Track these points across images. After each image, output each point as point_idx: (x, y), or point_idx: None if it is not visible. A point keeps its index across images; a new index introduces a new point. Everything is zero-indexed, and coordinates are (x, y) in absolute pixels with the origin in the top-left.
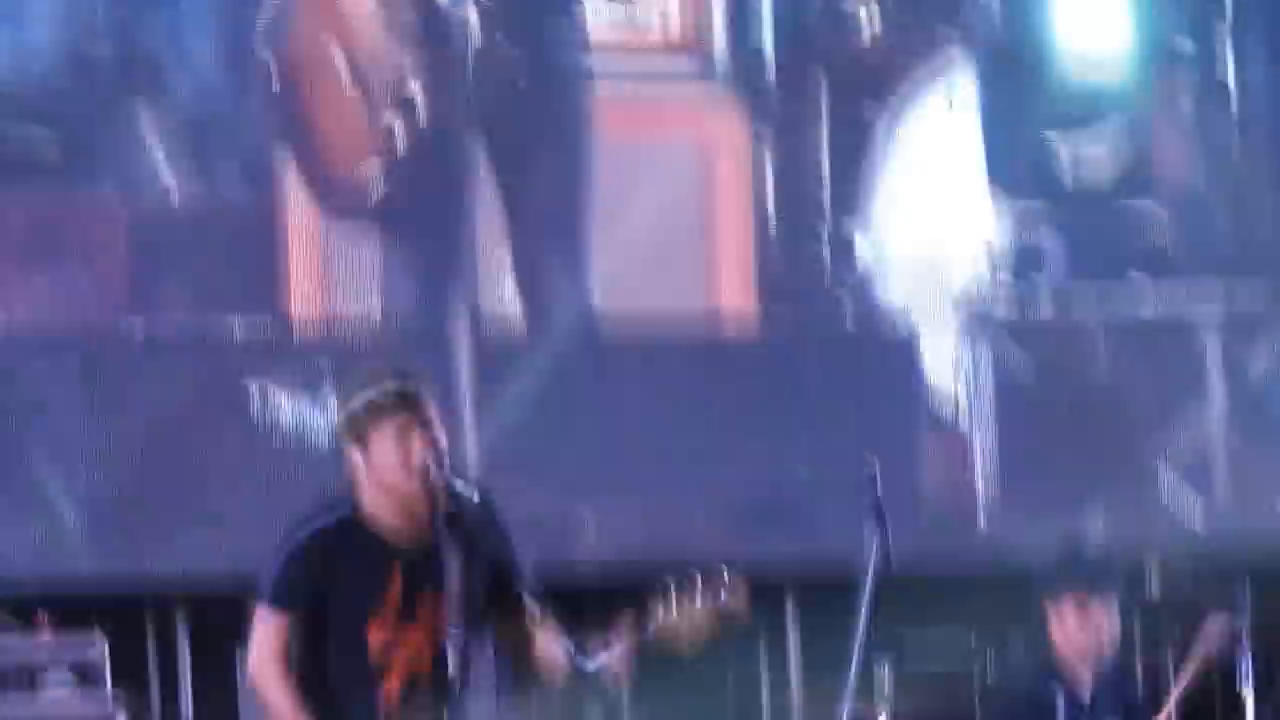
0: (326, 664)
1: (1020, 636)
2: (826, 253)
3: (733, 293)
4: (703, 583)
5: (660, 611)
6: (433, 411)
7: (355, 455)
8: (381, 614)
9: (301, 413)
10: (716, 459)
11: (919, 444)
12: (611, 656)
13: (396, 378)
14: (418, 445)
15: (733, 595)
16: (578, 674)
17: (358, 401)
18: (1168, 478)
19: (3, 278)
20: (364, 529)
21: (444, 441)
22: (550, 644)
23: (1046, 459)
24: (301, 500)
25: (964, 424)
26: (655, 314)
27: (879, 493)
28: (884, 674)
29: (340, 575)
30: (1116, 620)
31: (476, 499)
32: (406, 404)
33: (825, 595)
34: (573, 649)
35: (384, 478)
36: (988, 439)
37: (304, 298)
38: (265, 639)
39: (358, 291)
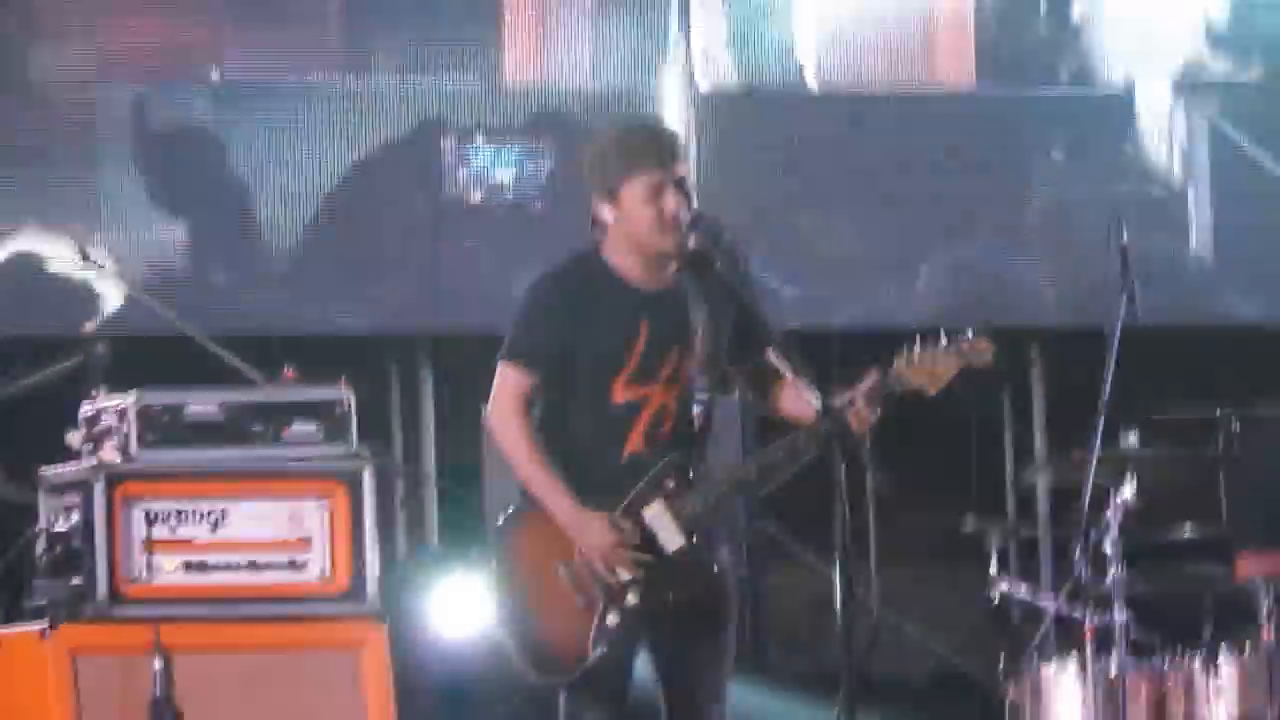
0: (569, 419)
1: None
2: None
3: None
4: (946, 335)
5: (904, 358)
6: (684, 166)
7: (604, 209)
8: (627, 369)
9: (521, 172)
10: (939, 217)
11: (1134, 201)
12: (856, 399)
13: (647, 132)
14: (670, 201)
15: (976, 346)
16: (821, 420)
17: (608, 156)
18: None
19: (222, 36)
20: (608, 275)
21: (694, 195)
22: (793, 393)
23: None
24: (526, 255)
25: (1179, 183)
26: (870, 73)
27: (1125, 245)
28: (1130, 435)
29: (585, 327)
30: None
31: (725, 252)
32: (660, 159)
33: (1070, 345)
34: (817, 397)
35: (634, 232)
36: (1201, 198)
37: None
38: (507, 393)
39: (570, 51)
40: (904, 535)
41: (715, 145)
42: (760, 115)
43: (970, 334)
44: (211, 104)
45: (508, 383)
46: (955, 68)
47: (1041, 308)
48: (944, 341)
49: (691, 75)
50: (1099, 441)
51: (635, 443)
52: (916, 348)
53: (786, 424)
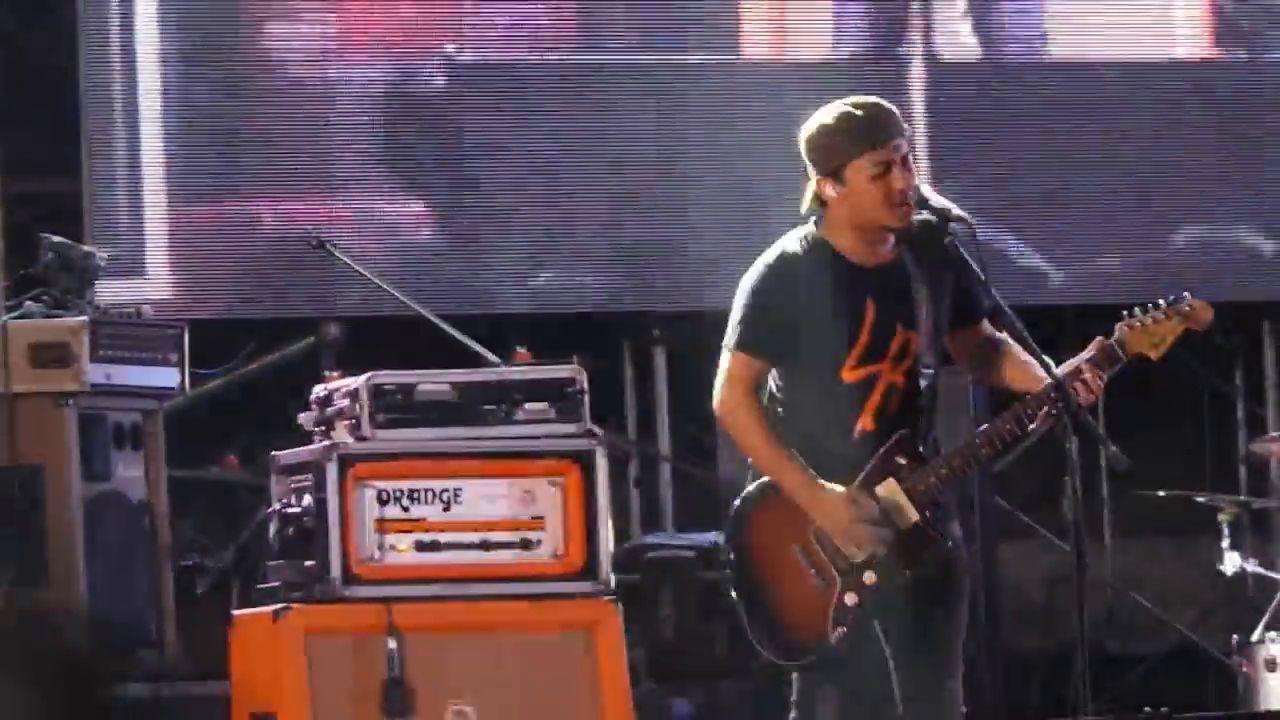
0: (799, 400)
1: None
2: None
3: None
4: (1168, 304)
5: (1126, 323)
6: (908, 145)
7: (827, 187)
8: (856, 349)
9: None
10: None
11: None
12: (1082, 367)
13: (872, 109)
14: (898, 178)
15: (1196, 308)
16: (1049, 390)
17: (833, 135)
18: None
19: (461, 13)
20: (831, 255)
21: (916, 172)
22: (1018, 366)
23: None
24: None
25: None
26: (1106, 41)
27: None
28: None
29: (811, 312)
30: None
31: (949, 226)
32: (887, 136)
33: None
34: (1040, 367)
35: (861, 210)
36: None
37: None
38: (735, 379)
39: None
40: (1137, 509)
41: (954, 113)
42: (999, 83)
43: (1188, 298)
44: (448, 81)
45: (734, 368)
46: (1191, 34)
47: (1275, 280)
48: (1164, 306)
49: (931, 45)
50: None
51: (866, 421)
52: (1138, 312)
53: (1015, 397)
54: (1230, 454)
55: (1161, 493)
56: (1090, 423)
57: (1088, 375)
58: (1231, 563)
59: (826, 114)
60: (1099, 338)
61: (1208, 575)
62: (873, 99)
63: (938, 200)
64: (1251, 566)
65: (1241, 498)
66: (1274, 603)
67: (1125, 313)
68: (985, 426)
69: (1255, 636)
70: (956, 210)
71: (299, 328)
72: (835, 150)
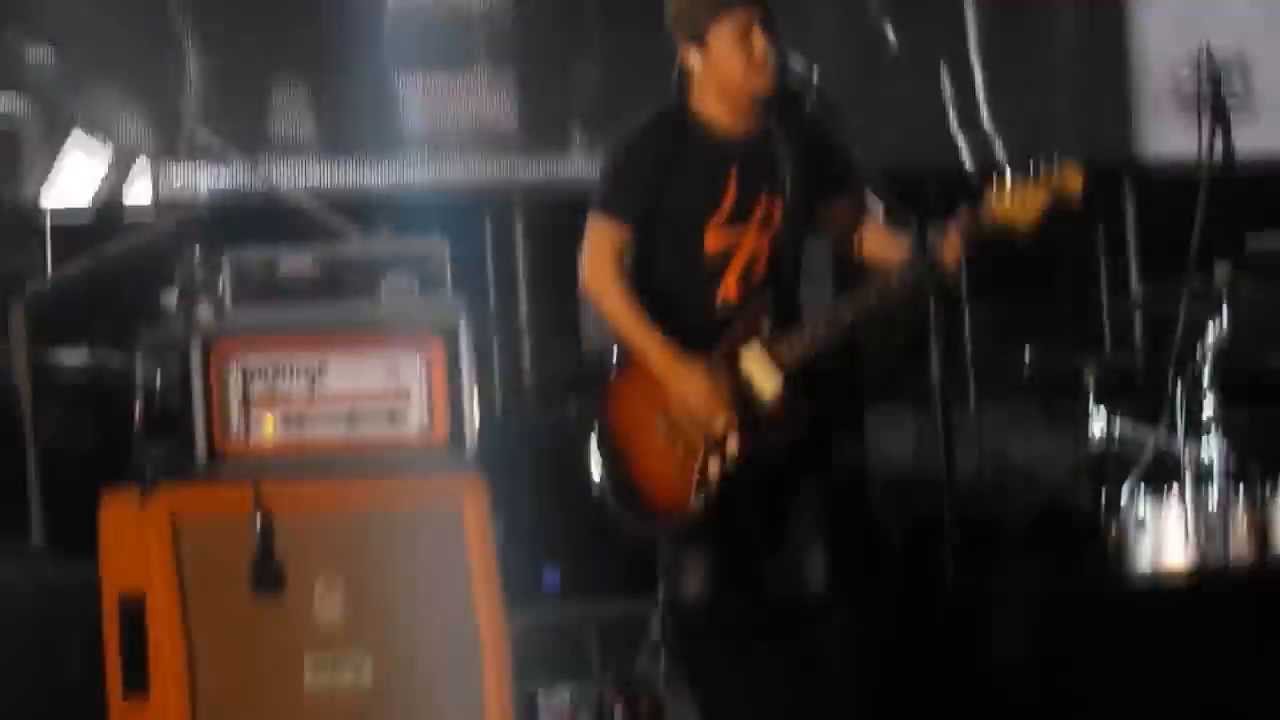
0: (661, 267)
1: None
2: None
3: None
4: (1036, 168)
5: (994, 195)
6: (767, 6)
7: (691, 55)
8: (718, 216)
9: None
10: None
11: None
12: (949, 234)
13: None
14: (760, 40)
15: (1066, 179)
16: (912, 263)
17: (694, 1)
18: None
19: None
20: (696, 124)
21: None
22: (881, 234)
23: None
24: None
25: None
26: None
27: (1219, 88)
28: (1223, 270)
29: (675, 177)
30: None
31: (814, 93)
32: (747, 1)
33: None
34: (908, 241)
35: (724, 76)
36: None
37: None
38: (600, 245)
39: None
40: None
41: None
42: None
43: (1056, 165)
44: None
45: (601, 236)
46: None
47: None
48: (1031, 174)
49: None
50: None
51: (728, 289)
52: (1006, 181)
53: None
54: (1095, 316)
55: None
56: (953, 287)
57: (953, 240)
58: (1099, 423)
59: None
60: (966, 207)
61: (1075, 438)
62: None
63: (801, 71)
64: (1118, 428)
65: (1106, 357)
66: (1141, 463)
67: (997, 180)
68: (850, 293)
69: (1123, 498)
70: (816, 80)
71: (161, 211)
72: (696, 16)
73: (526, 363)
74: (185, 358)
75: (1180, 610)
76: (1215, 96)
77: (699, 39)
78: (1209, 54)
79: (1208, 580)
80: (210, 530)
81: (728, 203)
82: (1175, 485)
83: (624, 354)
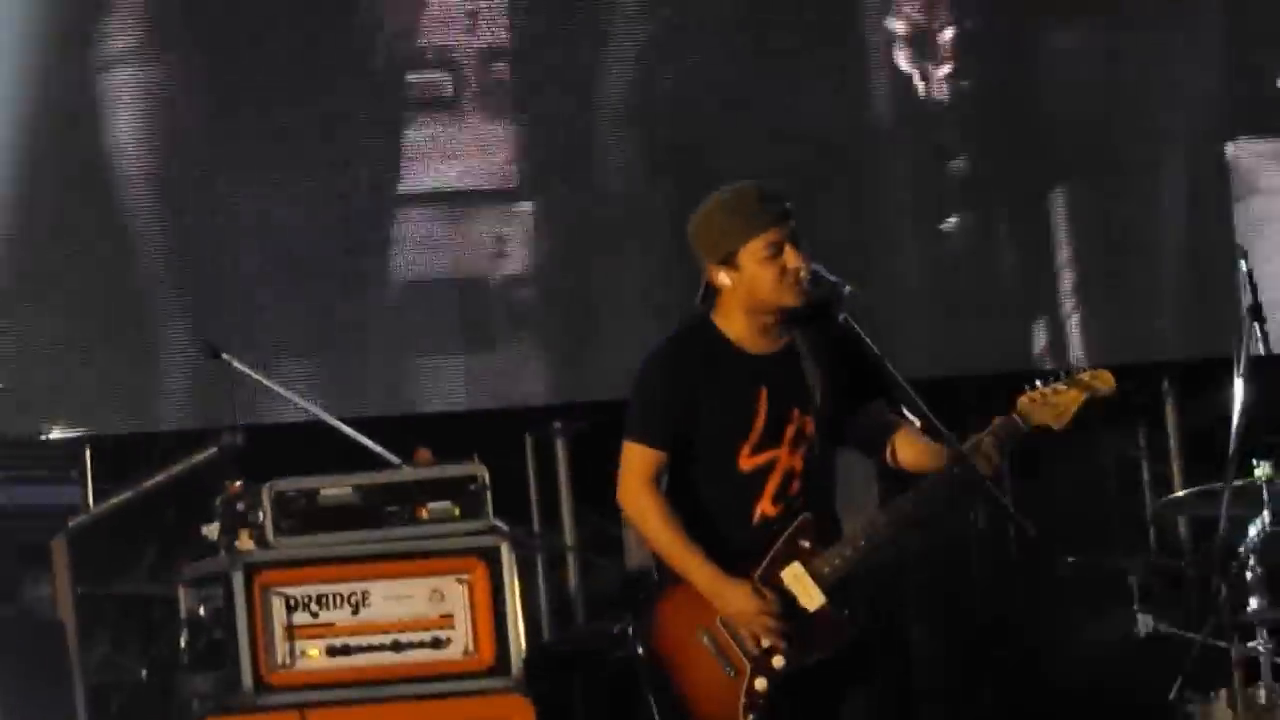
0: (698, 487)
1: None
2: None
3: None
4: (1065, 372)
5: (1027, 395)
6: (794, 222)
7: (720, 275)
8: (751, 439)
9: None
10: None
11: None
12: (983, 441)
13: (758, 193)
14: (791, 257)
15: (1097, 376)
16: (949, 470)
17: (722, 222)
18: None
19: None
20: (725, 345)
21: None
22: (913, 443)
23: None
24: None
25: None
26: None
27: (1253, 283)
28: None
29: (705, 401)
30: None
31: (843, 303)
32: (776, 217)
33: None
34: (943, 447)
35: (756, 293)
36: None
37: None
38: (635, 470)
39: None
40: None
41: None
42: None
43: (1087, 366)
44: None
45: (635, 460)
46: None
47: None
48: (1065, 377)
49: None
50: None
51: (765, 506)
52: (1039, 384)
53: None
54: (1140, 517)
55: (1070, 559)
56: (994, 493)
57: (988, 448)
58: (1145, 624)
59: (711, 202)
60: (1007, 414)
61: (1122, 638)
62: (754, 182)
63: (829, 276)
64: (1165, 628)
65: (1151, 558)
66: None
67: (1026, 385)
68: (888, 506)
69: (1172, 696)
70: (847, 286)
71: (199, 438)
72: (726, 237)
73: (573, 582)
74: (228, 589)
75: None
76: (1253, 297)
77: (730, 260)
78: (1244, 252)
79: None
80: None
81: (759, 425)
82: (1224, 688)
83: (665, 572)
